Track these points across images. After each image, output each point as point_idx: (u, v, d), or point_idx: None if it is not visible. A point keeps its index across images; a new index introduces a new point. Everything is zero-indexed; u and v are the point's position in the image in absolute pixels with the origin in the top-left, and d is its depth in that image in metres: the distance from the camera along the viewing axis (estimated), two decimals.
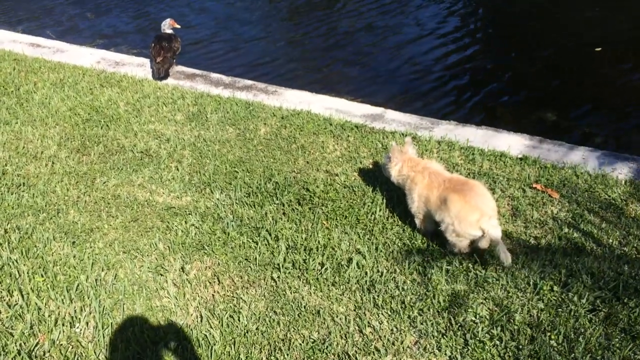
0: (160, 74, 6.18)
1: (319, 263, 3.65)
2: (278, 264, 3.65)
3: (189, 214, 4.18)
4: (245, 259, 3.71)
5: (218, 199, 4.32)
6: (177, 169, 4.71)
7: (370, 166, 4.52)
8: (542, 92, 6.24)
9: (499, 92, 6.37)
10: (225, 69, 7.08)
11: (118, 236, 3.97)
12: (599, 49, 6.80)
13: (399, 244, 3.77)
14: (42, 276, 3.58)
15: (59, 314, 3.33)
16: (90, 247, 3.84)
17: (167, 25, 6.48)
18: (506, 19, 8.24)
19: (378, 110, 5.41)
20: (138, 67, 6.63)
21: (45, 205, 4.30)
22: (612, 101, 5.89)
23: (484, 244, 3.57)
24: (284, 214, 4.14)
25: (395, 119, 5.21)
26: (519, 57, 7.02)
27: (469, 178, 3.90)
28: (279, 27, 8.69)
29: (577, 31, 7.42)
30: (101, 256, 3.76)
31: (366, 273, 3.55)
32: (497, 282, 3.40)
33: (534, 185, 4.10)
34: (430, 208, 3.65)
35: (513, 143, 4.67)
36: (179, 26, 6.68)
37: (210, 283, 3.54)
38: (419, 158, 3.95)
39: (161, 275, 3.60)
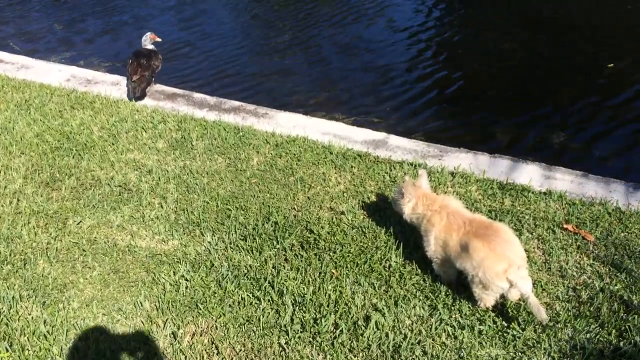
0: (136, 93, 5.63)
1: (332, 323, 3.17)
2: (285, 326, 3.17)
3: (178, 262, 3.67)
4: (247, 320, 3.22)
5: (210, 243, 3.81)
6: (161, 206, 4.18)
7: (379, 202, 4.07)
8: (549, 113, 5.87)
9: (500, 112, 5.98)
10: (207, 85, 6.58)
11: (96, 293, 3.42)
12: (612, 64, 6.47)
13: (421, 297, 3.32)
14: (8, 350, 3.02)
15: None
16: (64, 309, 3.29)
17: (148, 40, 5.93)
18: (511, 35, 7.88)
19: (380, 135, 4.96)
20: (112, 85, 6.05)
21: (10, 255, 3.73)
22: (628, 124, 5.54)
23: (513, 297, 3.16)
24: (286, 260, 3.65)
25: (400, 146, 4.77)
26: (522, 75, 6.65)
27: (491, 219, 3.48)
28: (261, 43, 8.19)
29: (588, 45, 7.09)
30: (77, 320, 3.22)
31: (387, 335, 3.09)
32: (539, 345, 2.98)
33: (565, 226, 3.70)
34: (450, 254, 3.22)
35: (532, 174, 4.27)
36: (159, 39, 6.13)
37: (208, 354, 3.03)
38: (435, 194, 3.51)
39: (149, 345, 3.07)
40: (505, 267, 2.95)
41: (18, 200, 4.28)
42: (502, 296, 3.19)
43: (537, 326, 3.07)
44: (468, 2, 9.14)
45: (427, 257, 3.41)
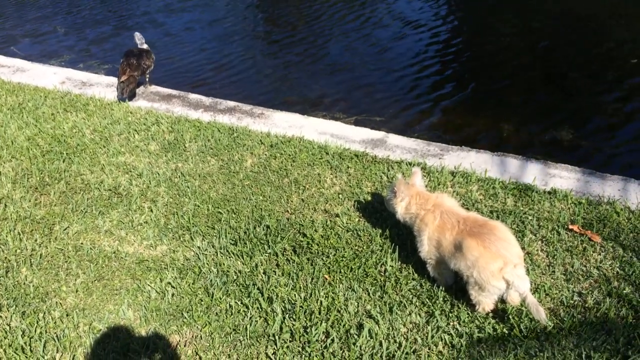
0: (124, 94, 5.50)
1: (322, 332, 3.01)
2: (274, 335, 3.01)
3: (165, 268, 3.53)
4: (234, 330, 3.06)
5: (199, 248, 3.67)
6: (151, 210, 4.05)
7: (376, 204, 3.90)
8: (557, 108, 5.64)
9: (507, 109, 5.77)
10: (206, 89, 6.44)
11: (78, 302, 3.29)
12: (636, 60, 6.21)
13: (417, 304, 3.15)
14: None
15: None
16: (44, 319, 3.16)
17: (142, 40, 5.80)
18: (521, 29, 7.67)
19: (379, 134, 4.79)
20: (107, 87, 5.94)
21: None
22: None
23: (514, 300, 2.98)
24: (277, 265, 3.50)
25: (399, 145, 4.60)
26: (531, 70, 6.43)
27: (488, 218, 3.29)
28: (261, 44, 8.06)
29: (612, 40, 6.85)
30: (57, 331, 3.08)
31: (381, 344, 2.93)
32: (542, 353, 2.79)
33: (570, 227, 3.51)
34: (444, 254, 3.06)
35: (537, 172, 4.08)
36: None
37: None
38: (429, 193, 3.34)
39: (129, 356, 2.93)
40: (500, 265, 2.79)
41: (5, 205, 4.17)
42: (503, 301, 3.02)
43: (540, 334, 2.88)
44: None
45: (421, 259, 3.26)
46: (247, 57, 7.39)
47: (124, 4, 9.91)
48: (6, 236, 3.84)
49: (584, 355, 2.76)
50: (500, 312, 3.03)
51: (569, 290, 3.13)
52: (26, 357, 2.92)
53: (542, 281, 3.20)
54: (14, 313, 3.21)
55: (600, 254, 3.33)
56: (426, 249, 3.16)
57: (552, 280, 3.21)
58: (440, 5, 8.55)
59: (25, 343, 3.00)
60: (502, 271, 2.78)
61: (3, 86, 6.01)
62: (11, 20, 9.49)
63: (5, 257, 3.66)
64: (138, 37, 5.81)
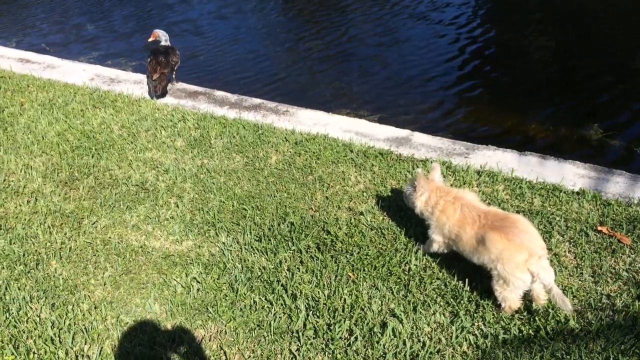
0: (157, 92, 5.57)
1: (346, 330, 3.01)
2: (297, 332, 3.02)
3: (190, 263, 3.57)
4: (258, 325, 3.08)
5: (224, 244, 3.70)
6: (177, 206, 4.09)
7: (400, 202, 3.87)
8: (587, 108, 5.56)
9: (534, 108, 5.69)
10: (231, 85, 6.48)
11: (106, 295, 3.34)
12: None
13: (442, 303, 3.13)
14: (13, 353, 2.96)
15: None
16: (73, 311, 3.22)
17: (166, 37, 5.86)
18: (548, 29, 7.57)
19: (404, 132, 4.76)
20: (135, 84, 6.02)
21: (23, 255, 3.69)
22: None
23: (539, 295, 2.94)
24: (301, 262, 3.51)
25: (424, 144, 4.57)
26: (559, 69, 6.34)
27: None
28: (287, 41, 8.07)
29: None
30: (85, 323, 3.14)
31: (404, 343, 2.92)
32: (569, 356, 2.76)
33: (599, 228, 3.45)
34: (464, 249, 3.07)
35: (565, 172, 4.02)
36: (152, 39, 6.00)
37: None
38: (448, 187, 3.33)
39: (155, 349, 2.97)
40: (525, 257, 2.79)
41: (36, 199, 4.25)
42: (529, 299, 2.98)
43: (567, 336, 2.84)
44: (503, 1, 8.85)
45: (451, 262, 3.26)
46: (276, 56, 7.41)
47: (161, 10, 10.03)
48: (36, 229, 3.92)
49: (611, 359, 2.72)
50: (526, 313, 3.00)
51: (597, 293, 3.08)
52: (55, 348, 2.98)
53: (570, 283, 3.15)
54: (43, 305, 3.28)
55: (629, 256, 3.27)
56: (441, 241, 3.22)
57: (580, 282, 3.16)
58: (469, 4, 8.46)
59: (54, 334, 3.06)
60: (527, 263, 2.78)
61: (34, 82, 6.13)
62: (45, 18, 9.66)
63: (36, 250, 3.74)
64: (162, 34, 5.86)
